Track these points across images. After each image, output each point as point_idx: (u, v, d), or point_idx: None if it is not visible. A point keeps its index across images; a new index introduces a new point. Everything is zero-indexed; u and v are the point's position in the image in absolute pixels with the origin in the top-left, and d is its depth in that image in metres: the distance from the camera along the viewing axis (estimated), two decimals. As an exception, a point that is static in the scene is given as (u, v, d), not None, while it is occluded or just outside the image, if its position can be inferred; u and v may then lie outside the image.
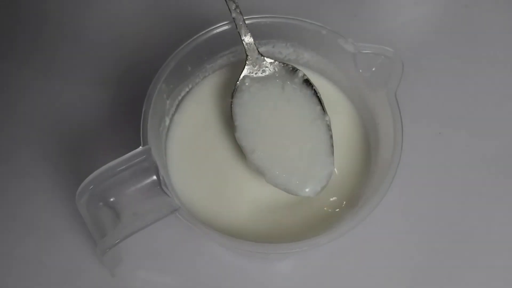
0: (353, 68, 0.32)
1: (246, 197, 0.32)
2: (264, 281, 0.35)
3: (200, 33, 0.33)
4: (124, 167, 0.29)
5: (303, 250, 0.30)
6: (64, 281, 0.35)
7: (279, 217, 0.31)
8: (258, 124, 0.32)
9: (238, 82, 0.33)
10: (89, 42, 0.43)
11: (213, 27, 0.34)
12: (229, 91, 0.34)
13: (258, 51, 0.33)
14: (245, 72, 0.33)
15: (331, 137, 0.32)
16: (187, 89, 0.35)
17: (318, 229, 0.30)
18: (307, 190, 0.31)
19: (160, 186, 0.29)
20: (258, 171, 0.31)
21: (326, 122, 0.32)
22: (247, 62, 0.33)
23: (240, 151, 0.32)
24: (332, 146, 0.32)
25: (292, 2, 0.44)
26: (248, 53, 0.33)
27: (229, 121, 0.34)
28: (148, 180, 0.29)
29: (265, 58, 0.33)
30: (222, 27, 0.34)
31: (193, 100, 0.35)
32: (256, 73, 0.33)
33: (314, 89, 0.33)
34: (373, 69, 0.32)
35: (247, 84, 0.33)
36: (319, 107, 0.32)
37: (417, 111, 0.39)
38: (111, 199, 0.29)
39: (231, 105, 0.33)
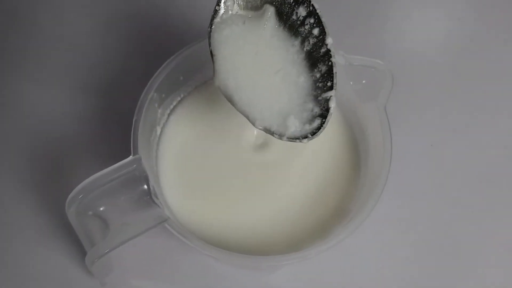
0: (344, 80, 0.33)
1: (237, 209, 0.32)
2: (254, 291, 0.35)
3: (193, 43, 0.33)
4: (114, 176, 0.29)
5: (292, 263, 0.30)
6: (53, 290, 0.35)
7: (269, 230, 0.31)
8: (235, 68, 0.28)
9: (217, 7, 0.28)
10: (77, 48, 0.43)
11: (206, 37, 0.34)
12: (221, 101, 0.33)
13: None
14: None
15: (321, 76, 0.28)
16: (179, 99, 0.35)
17: (308, 242, 0.30)
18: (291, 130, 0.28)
19: (150, 196, 0.29)
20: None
21: (295, 69, 0.28)
22: None
23: (233, 161, 0.33)
24: (321, 85, 0.27)
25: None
26: None
27: (221, 130, 0.34)
28: (138, 190, 0.29)
29: None
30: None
31: (185, 110, 0.35)
32: None
33: (309, 11, 0.28)
34: (364, 81, 0.32)
35: (229, 13, 0.28)
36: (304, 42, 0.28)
37: (409, 123, 0.39)
38: (101, 209, 0.29)
39: (209, 34, 0.28)
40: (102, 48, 0.43)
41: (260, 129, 0.28)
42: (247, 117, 0.28)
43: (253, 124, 0.28)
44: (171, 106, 0.35)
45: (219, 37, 0.29)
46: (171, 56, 0.33)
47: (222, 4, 0.29)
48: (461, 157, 0.39)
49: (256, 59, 0.29)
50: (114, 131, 0.38)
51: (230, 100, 0.28)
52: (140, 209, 0.29)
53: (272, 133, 0.28)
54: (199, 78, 0.36)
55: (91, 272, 0.31)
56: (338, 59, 0.32)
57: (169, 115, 0.35)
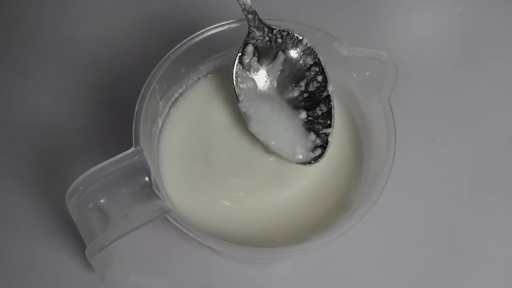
0: (347, 72, 0.32)
1: (238, 201, 0.32)
2: (256, 285, 0.35)
3: (195, 34, 0.33)
4: (115, 168, 0.29)
5: (294, 255, 0.30)
6: (53, 284, 0.34)
7: (272, 222, 0.31)
8: (256, 115, 0.33)
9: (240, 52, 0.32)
10: (77, 43, 0.43)
11: (207, 28, 0.33)
12: (223, 94, 0.34)
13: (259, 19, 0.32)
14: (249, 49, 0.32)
15: (322, 114, 0.32)
16: (180, 91, 0.35)
17: (310, 234, 0.30)
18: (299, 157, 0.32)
19: (152, 188, 0.29)
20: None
21: (300, 109, 0.33)
22: (249, 35, 0.32)
23: (235, 153, 0.33)
24: (322, 122, 0.32)
25: (286, 7, 0.44)
26: (250, 23, 0.32)
27: (222, 122, 0.34)
28: (139, 182, 0.29)
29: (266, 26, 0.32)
30: (217, 28, 0.33)
31: (187, 102, 0.35)
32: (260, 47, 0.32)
33: (314, 62, 0.32)
34: (367, 73, 0.32)
35: (248, 59, 0.33)
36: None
37: (410, 116, 0.39)
38: (102, 201, 0.29)
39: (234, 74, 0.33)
40: (102, 42, 0.43)
41: (274, 153, 0.32)
42: (266, 146, 0.32)
43: (269, 149, 0.32)
44: (173, 98, 0.35)
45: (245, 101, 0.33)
46: (173, 48, 0.33)
47: (245, 49, 0.33)
48: (462, 151, 0.39)
49: (272, 105, 0.34)
50: (115, 123, 0.38)
51: (253, 132, 0.33)
52: (142, 201, 0.29)
53: (284, 158, 0.32)
54: (201, 70, 0.36)
55: (92, 265, 0.31)
56: (342, 51, 0.32)
57: (170, 107, 0.35)
